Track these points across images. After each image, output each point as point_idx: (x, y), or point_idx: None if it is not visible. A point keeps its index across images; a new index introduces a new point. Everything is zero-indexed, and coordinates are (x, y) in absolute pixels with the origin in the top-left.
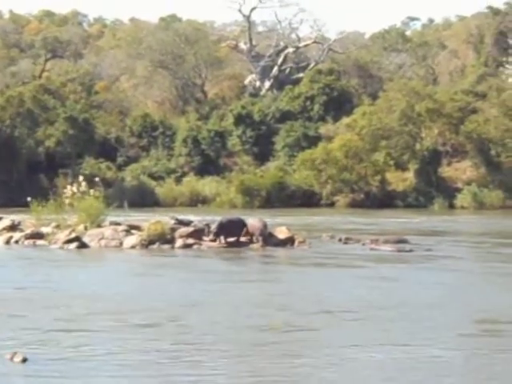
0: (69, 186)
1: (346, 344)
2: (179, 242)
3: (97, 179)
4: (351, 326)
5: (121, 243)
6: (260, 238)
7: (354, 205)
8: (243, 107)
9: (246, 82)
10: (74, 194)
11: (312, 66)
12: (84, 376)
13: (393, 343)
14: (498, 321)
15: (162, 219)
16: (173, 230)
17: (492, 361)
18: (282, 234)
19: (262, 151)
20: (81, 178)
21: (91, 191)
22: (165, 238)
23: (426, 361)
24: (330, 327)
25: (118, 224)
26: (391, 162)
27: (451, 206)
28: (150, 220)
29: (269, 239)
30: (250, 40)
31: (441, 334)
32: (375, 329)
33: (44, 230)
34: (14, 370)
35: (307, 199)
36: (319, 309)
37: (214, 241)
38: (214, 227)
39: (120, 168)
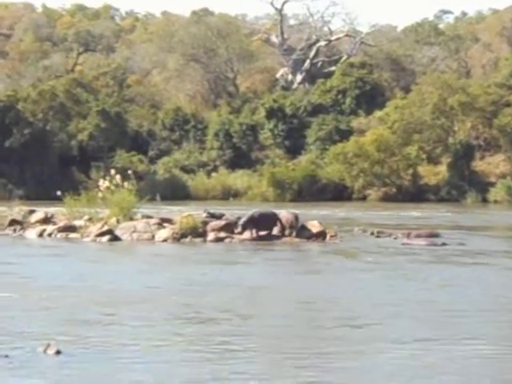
0: (102, 179)
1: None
2: (211, 236)
3: (129, 172)
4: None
5: (153, 236)
6: (291, 231)
7: (385, 199)
8: (275, 101)
9: (278, 75)
10: (107, 187)
11: (344, 59)
12: (119, 369)
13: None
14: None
15: (194, 212)
16: (205, 223)
17: None
18: (313, 227)
19: (294, 145)
20: (113, 171)
21: (124, 184)
22: (197, 232)
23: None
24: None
25: (150, 217)
26: (423, 156)
27: (484, 200)
28: (182, 213)
29: (300, 232)
30: (282, 33)
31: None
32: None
33: (76, 223)
34: (47, 362)
35: (339, 193)
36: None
37: (242, 233)
38: (242, 220)
39: (152, 161)
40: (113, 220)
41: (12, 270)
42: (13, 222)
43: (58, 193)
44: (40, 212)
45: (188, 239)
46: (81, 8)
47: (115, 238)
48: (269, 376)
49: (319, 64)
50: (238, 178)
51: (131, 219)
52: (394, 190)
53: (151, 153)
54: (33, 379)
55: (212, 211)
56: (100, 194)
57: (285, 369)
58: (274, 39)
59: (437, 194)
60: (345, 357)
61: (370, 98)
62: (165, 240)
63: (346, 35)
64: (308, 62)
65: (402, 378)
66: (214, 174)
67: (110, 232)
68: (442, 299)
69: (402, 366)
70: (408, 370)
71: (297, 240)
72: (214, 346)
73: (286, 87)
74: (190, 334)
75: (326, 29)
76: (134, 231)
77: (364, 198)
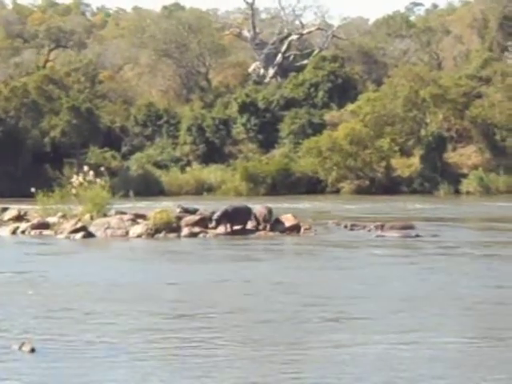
0: (75, 176)
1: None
2: (185, 231)
3: (102, 169)
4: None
5: (127, 232)
6: (265, 225)
7: (359, 191)
8: (247, 95)
9: (250, 69)
10: (80, 183)
11: (316, 52)
12: (93, 366)
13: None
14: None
15: (168, 208)
16: (179, 218)
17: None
18: (287, 221)
19: (267, 139)
20: (86, 167)
21: (97, 180)
22: (171, 227)
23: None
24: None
25: (124, 213)
26: (396, 148)
27: (457, 192)
28: (156, 209)
29: (275, 226)
30: (254, 27)
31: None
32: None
33: (50, 220)
34: (22, 360)
35: (312, 186)
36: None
37: (215, 228)
38: (216, 215)
39: (125, 157)
40: (86, 216)
41: None
42: None
43: (32, 190)
44: (13, 209)
45: (162, 235)
46: (51, 4)
47: (89, 235)
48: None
49: (291, 58)
50: (212, 173)
51: (105, 215)
52: (368, 182)
53: (124, 149)
54: (6, 377)
55: (186, 206)
56: (73, 191)
57: (265, 364)
58: (246, 33)
59: (410, 186)
60: (325, 349)
61: (343, 92)
62: (139, 236)
63: (318, 29)
64: (280, 55)
65: (386, 369)
66: (187, 169)
67: (83, 229)
68: (416, 290)
69: (385, 357)
70: (392, 360)
71: (271, 234)
72: (191, 341)
73: (259, 81)
74: (167, 329)
75: (297, 22)
76: (107, 227)
77: (337, 191)
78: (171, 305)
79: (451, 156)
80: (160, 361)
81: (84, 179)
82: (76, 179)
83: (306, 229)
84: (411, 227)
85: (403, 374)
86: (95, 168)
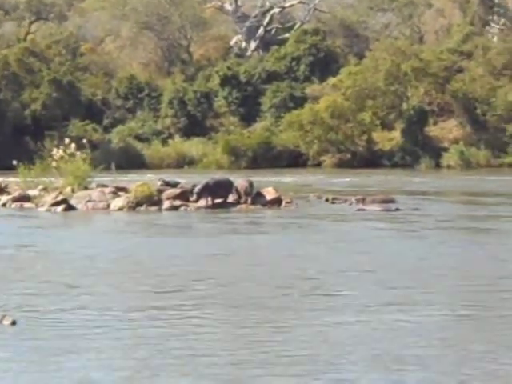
0: (56, 149)
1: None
2: (166, 204)
3: (84, 141)
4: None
5: (108, 205)
6: (246, 198)
7: (340, 165)
8: (229, 68)
9: (232, 42)
10: (61, 156)
11: (298, 26)
12: (76, 338)
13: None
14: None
15: (149, 181)
16: (160, 191)
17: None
18: (269, 194)
19: (249, 112)
20: (67, 140)
21: (78, 153)
22: (152, 200)
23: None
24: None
25: (105, 186)
26: (377, 122)
27: (437, 166)
28: (137, 182)
29: (256, 199)
30: (236, 0)
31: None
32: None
33: (31, 192)
34: (2, 333)
35: (294, 159)
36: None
37: (197, 201)
38: (197, 188)
39: (106, 130)
40: (67, 189)
41: None
42: None
43: (14, 162)
44: None
45: (143, 208)
46: None
47: (70, 208)
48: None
49: (273, 31)
50: (193, 146)
51: (86, 188)
52: (349, 156)
53: (105, 121)
54: None
55: (167, 179)
56: (54, 164)
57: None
58: (228, 7)
59: (391, 160)
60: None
61: (324, 65)
62: (120, 209)
63: (300, 2)
64: (262, 29)
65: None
66: (169, 142)
67: (64, 201)
68: (395, 262)
69: (363, 332)
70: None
71: (252, 207)
72: (175, 318)
73: (240, 54)
74: (149, 305)
75: None
76: (88, 200)
77: (319, 165)
78: (158, 279)
79: (432, 130)
80: (143, 337)
81: (65, 152)
82: (57, 152)
83: (287, 202)
84: (392, 201)
85: (388, 347)
86: (76, 141)
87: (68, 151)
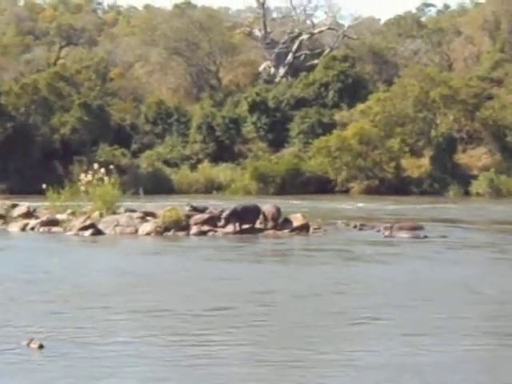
0: (84, 173)
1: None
2: (194, 229)
3: (111, 167)
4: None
5: (136, 230)
6: (274, 224)
7: (368, 191)
8: (258, 94)
9: (261, 68)
10: (90, 181)
11: (327, 52)
12: (102, 365)
13: None
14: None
15: (177, 206)
16: (188, 216)
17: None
18: (296, 220)
19: (277, 138)
20: (96, 165)
21: (107, 178)
22: (180, 225)
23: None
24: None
25: (133, 211)
26: (406, 149)
27: (466, 193)
28: (165, 207)
29: (284, 225)
30: (265, 27)
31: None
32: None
33: (59, 217)
34: (30, 356)
35: (322, 186)
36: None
37: (224, 227)
38: (225, 214)
39: (135, 155)
40: (96, 214)
41: None
42: None
43: (44, 186)
44: (23, 206)
45: (171, 233)
46: (63, 1)
47: (98, 232)
48: None
49: (302, 57)
50: (221, 172)
51: (114, 213)
52: (377, 182)
53: (134, 146)
54: (15, 373)
55: (195, 205)
56: (83, 188)
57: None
58: (257, 32)
59: (419, 187)
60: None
61: (353, 91)
62: (148, 234)
63: (329, 28)
64: (291, 55)
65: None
66: (197, 168)
67: (92, 226)
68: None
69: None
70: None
71: (279, 233)
72: (194, 340)
73: (269, 80)
74: (167, 326)
75: (308, 22)
76: (116, 225)
77: (347, 191)
78: (186, 302)
79: (461, 157)
80: (172, 361)
81: (93, 177)
82: (85, 176)
83: (315, 228)
84: (420, 228)
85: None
86: (105, 165)
87: (97, 176)
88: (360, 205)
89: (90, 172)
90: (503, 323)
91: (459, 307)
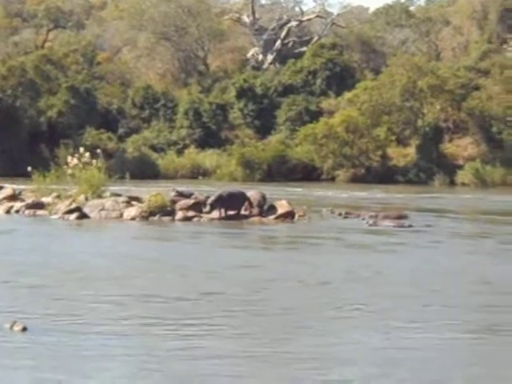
0: (70, 157)
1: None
2: (179, 215)
3: (98, 151)
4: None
5: (121, 214)
6: (259, 211)
7: (354, 180)
8: (245, 80)
9: (249, 55)
10: (76, 164)
11: (315, 40)
12: (87, 345)
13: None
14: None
15: (163, 191)
16: (173, 202)
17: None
18: (282, 207)
19: (264, 125)
20: (81, 148)
21: (94, 162)
22: (165, 210)
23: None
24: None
25: (119, 195)
26: (392, 138)
27: (452, 183)
28: (151, 192)
29: (269, 212)
30: (253, 13)
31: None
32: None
33: (45, 200)
34: (13, 339)
35: (308, 173)
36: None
37: (210, 213)
38: (210, 200)
39: (121, 139)
40: (81, 197)
41: None
42: None
43: (29, 169)
44: (8, 188)
45: (156, 218)
46: None
47: (83, 216)
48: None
49: (290, 44)
50: (207, 158)
51: (100, 197)
52: (363, 171)
53: (121, 131)
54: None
55: (181, 190)
56: (69, 172)
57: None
58: (246, 19)
59: (405, 176)
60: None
61: (341, 80)
62: (133, 218)
63: (318, 16)
64: (279, 42)
65: None
66: (183, 153)
67: (78, 209)
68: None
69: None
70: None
71: (265, 220)
72: (181, 323)
73: (257, 67)
74: (155, 314)
75: (297, 9)
76: (102, 209)
77: (333, 179)
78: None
79: (447, 147)
80: (153, 346)
81: (79, 160)
82: (72, 160)
83: (300, 216)
84: (405, 217)
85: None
86: (91, 149)
87: (82, 160)
88: (345, 193)
89: (77, 155)
90: (492, 315)
91: (443, 297)
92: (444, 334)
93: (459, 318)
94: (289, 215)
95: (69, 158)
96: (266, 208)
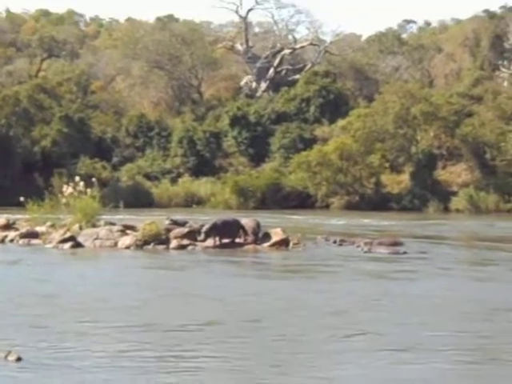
0: (65, 186)
1: None
2: (174, 243)
3: (93, 179)
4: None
5: (115, 243)
6: (254, 238)
7: (348, 207)
8: (239, 108)
9: (242, 83)
10: (71, 193)
11: (308, 67)
12: (78, 380)
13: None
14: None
15: (157, 220)
16: (168, 230)
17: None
18: (276, 235)
19: (258, 152)
20: (77, 177)
21: (88, 191)
22: (160, 239)
23: None
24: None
25: (113, 224)
26: (386, 165)
27: (446, 209)
28: (145, 220)
29: (263, 240)
30: (247, 41)
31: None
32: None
33: (39, 229)
34: (7, 369)
35: (302, 201)
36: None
37: (204, 241)
38: (204, 228)
39: (115, 168)
40: (75, 227)
41: None
42: None
43: (21, 199)
44: (2, 218)
45: (151, 246)
46: (45, 13)
47: (77, 245)
48: None
49: (283, 72)
50: (202, 186)
51: (94, 226)
52: (357, 198)
53: (115, 159)
54: None
55: (175, 218)
56: (64, 201)
57: None
58: (239, 47)
59: (399, 203)
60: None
61: (334, 107)
62: (127, 247)
63: (311, 44)
64: (272, 70)
65: None
66: (178, 181)
67: (72, 238)
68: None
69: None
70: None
71: (259, 247)
72: (174, 352)
73: (250, 95)
74: (150, 342)
75: (290, 37)
76: (96, 238)
77: (327, 206)
78: (160, 317)
79: (441, 174)
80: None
81: (74, 189)
82: (66, 189)
83: (294, 243)
84: (400, 244)
85: None
86: (86, 178)
87: (77, 188)
88: (340, 220)
89: (71, 184)
90: (489, 340)
91: (440, 323)
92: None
93: (450, 343)
94: (283, 243)
95: (64, 187)
96: (260, 236)
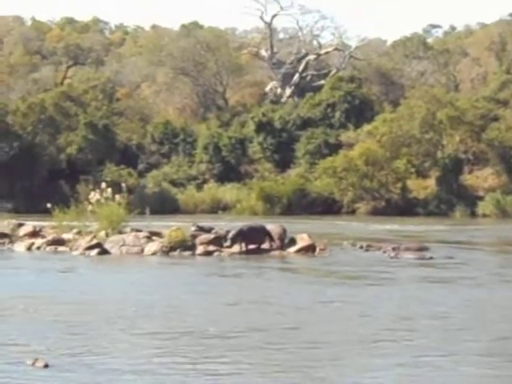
0: (93, 193)
1: None
2: (200, 249)
3: (123, 185)
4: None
5: (142, 250)
6: (280, 244)
7: (375, 212)
8: (264, 114)
9: (267, 89)
10: (98, 200)
11: (333, 73)
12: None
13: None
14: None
15: (183, 226)
16: (194, 236)
17: None
18: (302, 241)
19: (283, 158)
20: (104, 184)
21: (116, 197)
22: (186, 245)
23: None
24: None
25: (139, 231)
26: (412, 170)
27: (473, 214)
28: (171, 227)
29: (289, 246)
30: (271, 47)
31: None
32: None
33: (65, 236)
34: (35, 376)
35: (328, 207)
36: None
37: (230, 247)
38: (230, 234)
39: (141, 175)
40: (102, 233)
41: None
42: (1, 236)
43: (48, 205)
44: (29, 225)
45: (177, 253)
46: (70, 21)
47: (104, 252)
48: None
49: (308, 78)
50: (227, 192)
51: (120, 233)
52: (383, 203)
53: (140, 166)
54: None
55: (201, 224)
56: (90, 208)
57: None
58: (264, 53)
59: (426, 208)
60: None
61: (359, 112)
62: (154, 253)
63: (335, 49)
64: (297, 75)
65: None
66: (203, 188)
67: (98, 245)
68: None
69: None
70: None
71: (285, 253)
72: (199, 356)
73: (275, 101)
74: (177, 346)
75: (315, 43)
76: (122, 245)
77: (353, 212)
78: (190, 323)
79: (467, 178)
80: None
81: (101, 196)
82: (93, 195)
83: (321, 249)
84: (426, 249)
85: None
86: (111, 185)
87: (104, 195)
88: (366, 226)
89: (98, 191)
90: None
91: (463, 330)
92: None
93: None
94: (310, 248)
95: (91, 194)
96: (286, 242)
